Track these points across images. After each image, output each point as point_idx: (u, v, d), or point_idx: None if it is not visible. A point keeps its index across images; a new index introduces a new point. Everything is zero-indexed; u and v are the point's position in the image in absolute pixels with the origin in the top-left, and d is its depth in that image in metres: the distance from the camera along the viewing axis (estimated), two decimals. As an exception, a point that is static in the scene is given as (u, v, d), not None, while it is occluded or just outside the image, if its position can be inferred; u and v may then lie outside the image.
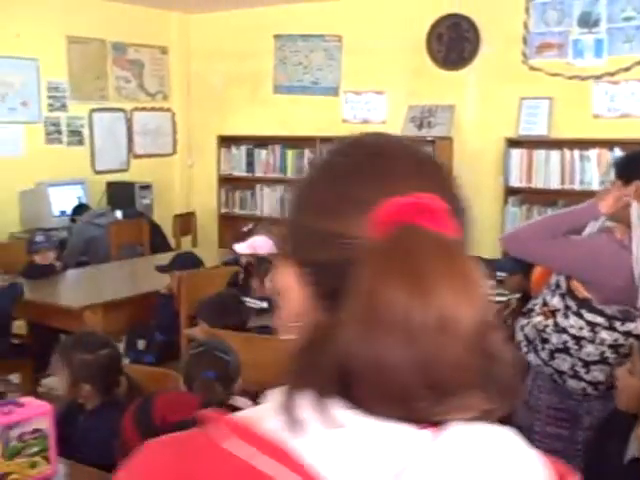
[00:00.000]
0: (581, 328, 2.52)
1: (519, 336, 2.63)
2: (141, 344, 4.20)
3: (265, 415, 0.69)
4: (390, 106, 6.86)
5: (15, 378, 4.75)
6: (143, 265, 5.62)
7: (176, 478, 0.68)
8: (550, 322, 2.56)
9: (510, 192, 6.14)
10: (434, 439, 0.66)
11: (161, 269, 4.34)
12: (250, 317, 3.21)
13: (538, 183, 6.02)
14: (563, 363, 2.51)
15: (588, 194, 5.70)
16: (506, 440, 0.71)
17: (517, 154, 6.08)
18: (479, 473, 0.67)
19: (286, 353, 0.70)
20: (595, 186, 5.76)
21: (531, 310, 2.70)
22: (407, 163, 0.76)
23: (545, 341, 2.56)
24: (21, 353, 4.49)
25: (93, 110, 7.21)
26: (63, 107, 6.94)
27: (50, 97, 6.82)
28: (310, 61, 7.26)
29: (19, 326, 4.77)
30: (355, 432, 0.65)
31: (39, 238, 4.92)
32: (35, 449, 1.97)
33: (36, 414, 1.97)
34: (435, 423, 0.67)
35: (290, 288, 0.75)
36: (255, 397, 3.01)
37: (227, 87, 7.78)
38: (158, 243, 6.59)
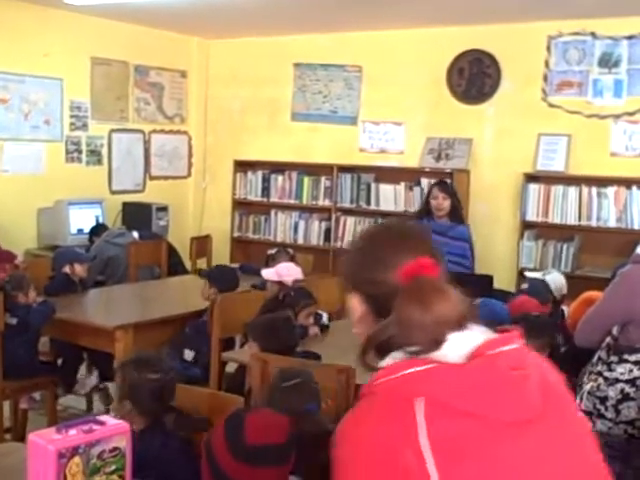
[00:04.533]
0: (631, 370, 2.58)
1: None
2: (189, 355, 4.16)
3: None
4: (408, 137, 6.95)
5: (37, 395, 4.75)
6: (165, 287, 5.66)
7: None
8: (600, 380, 2.63)
9: (526, 226, 6.21)
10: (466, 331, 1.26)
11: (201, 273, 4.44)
12: (298, 341, 3.25)
13: (555, 218, 6.09)
14: (629, 411, 2.56)
15: (604, 231, 5.86)
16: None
17: (534, 189, 6.16)
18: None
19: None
20: (612, 223, 5.86)
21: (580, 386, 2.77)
22: (413, 240, 1.38)
23: (604, 400, 2.61)
24: (45, 371, 4.49)
25: (113, 130, 7.28)
26: (84, 127, 7.00)
27: (72, 116, 6.88)
28: (329, 90, 7.35)
29: (42, 343, 4.77)
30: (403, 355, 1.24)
31: (78, 250, 4.99)
32: (113, 467, 1.99)
33: (116, 433, 2.00)
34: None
35: (355, 307, 1.37)
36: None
37: (244, 113, 7.86)
38: (174, 265, 6.62)
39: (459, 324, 1.24)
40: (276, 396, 2.42)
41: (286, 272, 4.69)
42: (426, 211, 5.31)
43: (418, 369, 1.19)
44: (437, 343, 1.21)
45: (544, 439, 1.18)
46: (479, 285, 4.20)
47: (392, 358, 1.24)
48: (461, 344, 1.22)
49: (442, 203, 5.20)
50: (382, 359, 1.25)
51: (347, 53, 7.20)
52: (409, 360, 1.21)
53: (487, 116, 6.57)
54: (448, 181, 5.69)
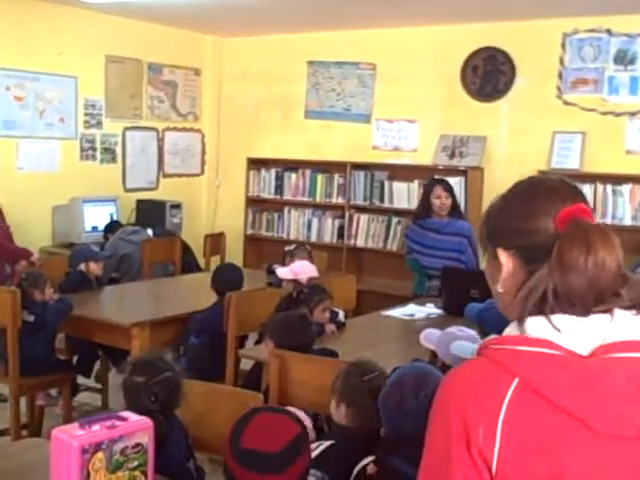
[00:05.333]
0: None
1: None
2: (182, 349, 4.26)
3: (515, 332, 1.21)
4: (422, 135, 6.94)
5: (53, 392, 4.77)
6: (179, 284, 5.67)
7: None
8: None
9: (541, 224, 6.17)
10: (612, 318, 1.18)
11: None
12: (315, 338, 3.26)
13: (570, 216, 6.05)
14: None
15: (620, 229, 5.83)
16: None
17: (549, 187, 6.13)
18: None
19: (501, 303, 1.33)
20: (627, 221, 5.83)
21: None
22: (566, 188, 1.30)
23: None
24: (62, 367, 4.51)
25: (127, 128, 7.31)
26: (98, 124, 7.03)
27: (87, 114, 6.91)
28: (343, 88, 7.35)
29: (58, 340, 4.79)
30: (569, 322, 1.17)
31: (94, 247, 5.01)
32: (135, 463, 2.00)
33: (138, 429, 2.01)
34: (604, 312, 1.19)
35: (502, 264, 1.29)
36: (315, 418, 3.04)
37: (258, 110, 7.87)
38: (188, 262, 6.64)
39: (617, 282, 1.18)
40: (353, 390, 2.41)
41: (301, 269, 4.70)
42: (426, 210, 5.19)
43: (533, 349, 1.15)
44: (592, 294, 1.17)
45: (636, 460, 1.12)
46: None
47: (522, 329, 1.19)
48: (592, 334, 1.16)
49: (446, 202, 5.12)
50: (521, 322, 1.20)
51: (361, 51, 7.20)
52: (534, 339, 1.16)
53: (501, 114, 6.55)
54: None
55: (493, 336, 1.23)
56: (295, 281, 4.60)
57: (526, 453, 1.10)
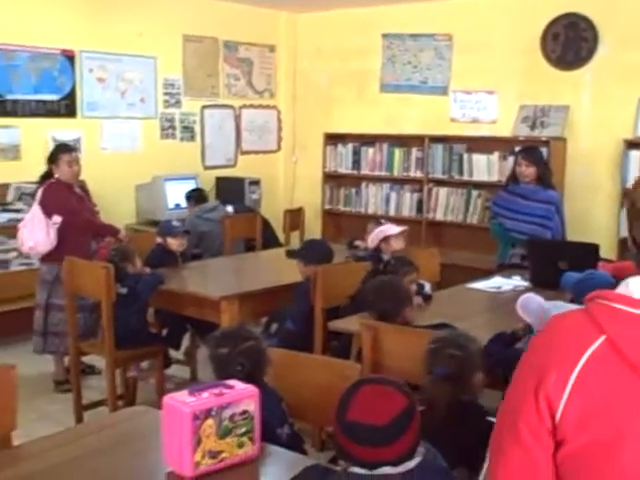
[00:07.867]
0: None
1: None
2: (274, 327, 4.32)
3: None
4: (501, 106, 6.83)
5: (145, 364, 4.90)
6: (261, 259, 5.75)
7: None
8: None
9: (627, 194, 6.04)
10: None
11: (290, 254, 4.49)
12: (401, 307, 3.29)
13: (657, 185, 5.89)
14: None
15: None
16: None
17: (635, 156, 5.97)
18: None
19: None
20: None
21: None
22: None
23: None
24: (154, 340, 4.63)
25: (204, 107, 7.40)
26: (177, 103, 7.15)
27: (166, 94, 7.03)
28: (419, 60, 7.28)
29: (149, 314, 4.90)
30: None
31: (176, 223, 5.08)
32: (243, 429, 2.05)
33: (245, 396, 2.06)
34: None
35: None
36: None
37: (333, 85, 7.87)
38: (269, 238, 6.71)
39: None
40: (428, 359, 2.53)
41: (389, 227, 4.72)
42: (513, 178, 5.32)
43: (631, 310, 1.12)
44: None
45: None
46: (585, 253, 4.12)
47: (628, 285, 1.18)
48: None
49: (524, 170, 5.17)
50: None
51: (436, 22, 7.11)
52: (635, 299, 1.13)
53: (584, 82, 6.39)
54: (536, 148, 5.58)
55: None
56: (385, 239, 4.61)
57: (592, 410, 1.09)
